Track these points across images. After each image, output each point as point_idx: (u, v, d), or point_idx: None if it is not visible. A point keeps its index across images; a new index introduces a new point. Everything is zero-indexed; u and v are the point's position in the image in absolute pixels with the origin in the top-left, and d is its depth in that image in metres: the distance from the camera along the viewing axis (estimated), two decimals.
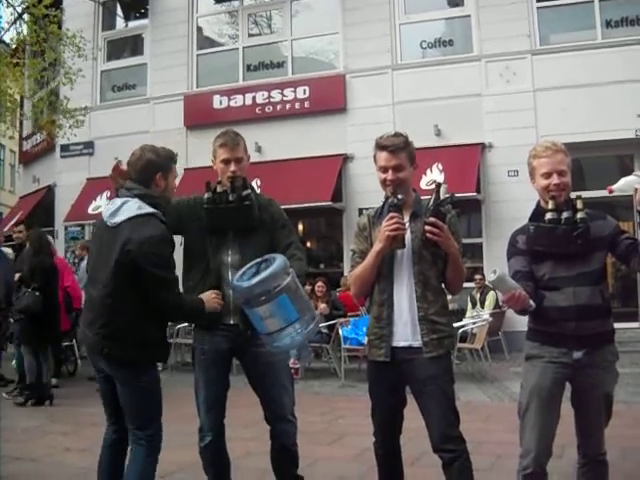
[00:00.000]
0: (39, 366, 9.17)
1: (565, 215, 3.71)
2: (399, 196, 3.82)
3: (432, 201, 3.80)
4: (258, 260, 4.05)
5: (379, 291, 3.95)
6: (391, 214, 3.79)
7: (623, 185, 3.97)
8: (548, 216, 3.73)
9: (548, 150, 3.79)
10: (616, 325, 3.93)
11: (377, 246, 3.84)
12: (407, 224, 3.88)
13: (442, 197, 3.78)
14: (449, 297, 4.13)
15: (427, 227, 3.71)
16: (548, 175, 3.75)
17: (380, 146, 3.95)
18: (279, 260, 3.95)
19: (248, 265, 4.07)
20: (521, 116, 14.16)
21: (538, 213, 3.83)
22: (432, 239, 3.71)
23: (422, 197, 4.05)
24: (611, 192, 4.55)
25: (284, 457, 4.57)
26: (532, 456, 3.68)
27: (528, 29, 14.62)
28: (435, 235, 3.69)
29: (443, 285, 3.98)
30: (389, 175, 3.89)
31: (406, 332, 3.87)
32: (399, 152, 3.89)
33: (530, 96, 14.37)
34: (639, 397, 8.23)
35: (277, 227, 4.55)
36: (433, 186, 3.86)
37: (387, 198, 3.97)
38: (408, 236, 3.85)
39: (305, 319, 3.91)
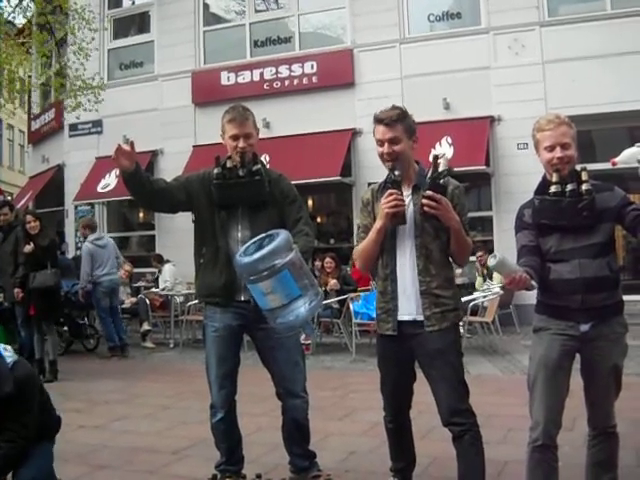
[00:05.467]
0: (42, 343, 9.44)
1: (569, 187, 3.68)
2: (396, 172, 3.81)
3: (429, 174, 3.79)
4: (262, 235, 4.03)
5: (383, 265, 3.96)
6: (389, 191, 3.78)
7: (626, 157, 3.95)
8: (552, 189, 3.71)
9: (551, 123, 3.75)
10: (627, 297, 3.91)
11: (378, 223, 3.84)
12: (409, 197, 3.88)
13: (440, 170, 3.77)
14: (458, 270, 4.12)
15: (424, 201, 3.70)
16: (551, 148, 3.72)
17: (377, 119, 3.94)
18: (282, 235, 3.94)
19: (252, 240, 4.05)
20: (530, 88, 14.02)
21: (543, 186, 3.80)
22: (429, 212, 3.71)
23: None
24: (614, 165, 4.52)
25: (296, 432, 4.61)
26: (541, 428, 3.68)
27: (536, 0, 14.43)
28: (432, 208, 3.68)
29: (450, 258, 3.97)
30: (385, 148, 3.88)
31: (410, 306, 3.88)
32: (394, 125, 3.87)
33: (539, 68, 14.22)
34: None
35: (287, 202, 4.56)
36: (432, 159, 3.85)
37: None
38: (410, 209, 3.85)
39: (308, 296, 3.89)
